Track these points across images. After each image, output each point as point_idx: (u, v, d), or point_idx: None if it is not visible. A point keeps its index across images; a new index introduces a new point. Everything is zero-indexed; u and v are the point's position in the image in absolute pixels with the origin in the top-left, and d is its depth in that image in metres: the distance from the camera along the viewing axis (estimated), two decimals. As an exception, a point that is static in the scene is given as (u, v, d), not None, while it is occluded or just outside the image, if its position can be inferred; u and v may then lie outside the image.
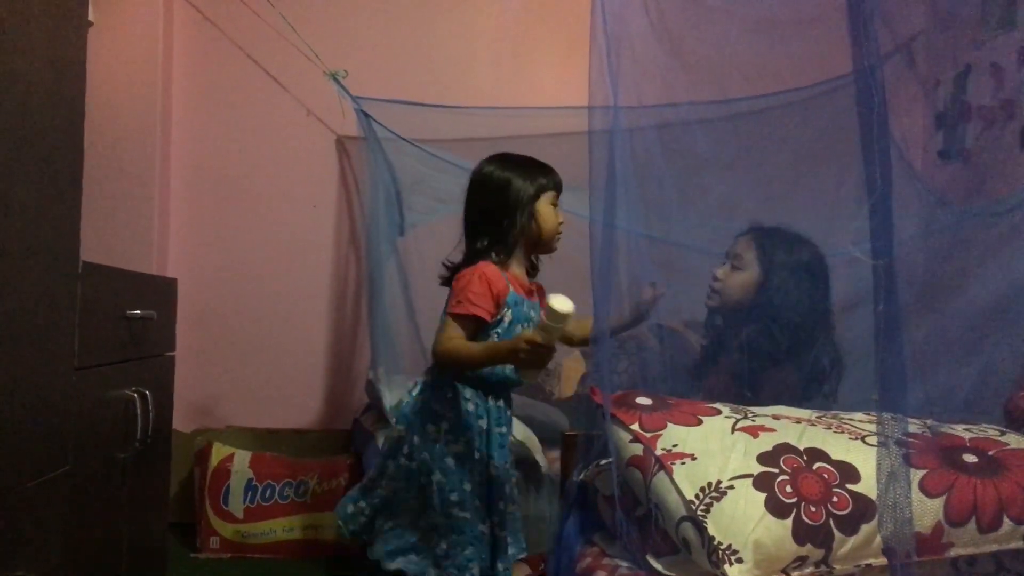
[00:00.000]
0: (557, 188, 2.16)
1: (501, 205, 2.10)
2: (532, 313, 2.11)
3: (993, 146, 2.59)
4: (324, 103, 3.56)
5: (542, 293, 2.19)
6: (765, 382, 1.86)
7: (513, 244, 2.11)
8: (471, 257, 2.12)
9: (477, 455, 2.08)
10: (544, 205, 2.12)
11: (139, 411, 2.02)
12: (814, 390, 1.97)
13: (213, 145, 3.70)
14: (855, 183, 1.61)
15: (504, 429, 2.15)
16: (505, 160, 2.18)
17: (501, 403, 2.14)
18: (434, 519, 2.10)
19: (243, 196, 3.71)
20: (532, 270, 2.21)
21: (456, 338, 2.01)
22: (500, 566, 2.12)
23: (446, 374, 2.10)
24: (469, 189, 2.19)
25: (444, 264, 2.20)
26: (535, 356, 1.88)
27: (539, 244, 2.15)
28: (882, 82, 1.24)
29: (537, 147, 3.31)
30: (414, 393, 2.17)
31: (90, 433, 1.80)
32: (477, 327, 2.04)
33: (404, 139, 3.28)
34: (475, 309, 2.01)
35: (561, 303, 1.81)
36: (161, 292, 2.38)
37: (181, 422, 3.48)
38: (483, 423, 2.09)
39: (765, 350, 1.99)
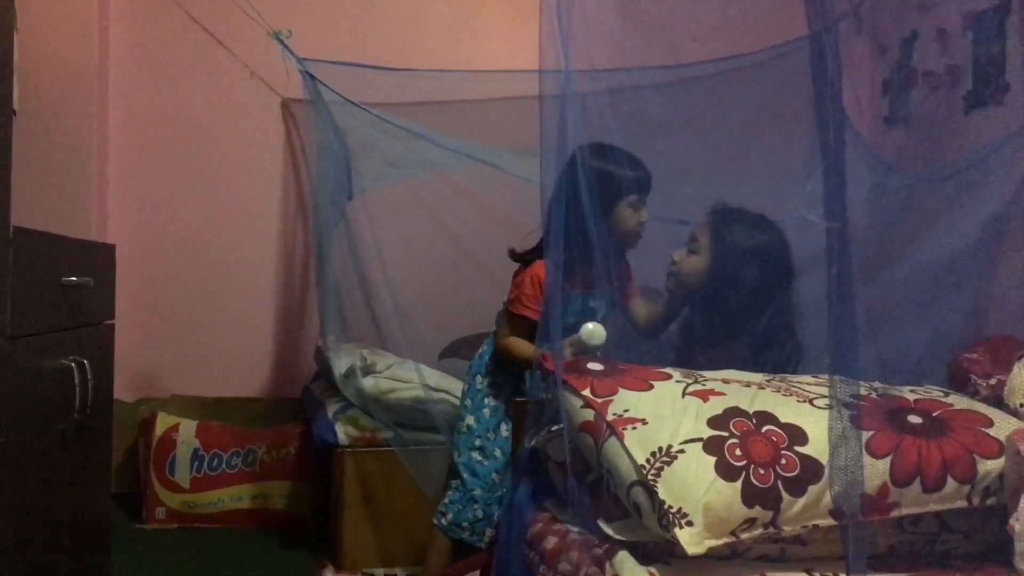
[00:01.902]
0: (639, 189, 2.13)
1: None
2: (592, 303, 2.14)
3: (938, 111, 2.62)
4: (268, 64, 3.46)
5: (630, 275, 2.23)
6: (720, 366, 1.84)
7: None
8: (538, 250, 2.23)
9: (510, 412, 2.28)
10: (622, 209, 2.12)
11: (77, 381, 1.96)
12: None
13: (153, 107, 3.59)
14: (806, 147, 1.62)
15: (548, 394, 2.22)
16: (597, 154, 2.05)
17: None
18: (457, 460, 2.39)
19: (185, 160, 3.62)
20: None
21: (511, 336, 2.28)
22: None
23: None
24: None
25: (513, 251, 2.33)
26: None
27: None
28: (836, 44, 1.23)
29: (488, 111, 3.31)
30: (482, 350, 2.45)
31: (26, 404, 1.74)
32: (531, 323, 2.21)
33: (352, 102, 3.22)
34: (525, 311, 2.24)
35: (590, 334, 1.92)
36: (99, 258, 2.30)
37: (124, 392, 3.41)
38: (524, 386, 2.32)
39: (719, 337, 1.97)
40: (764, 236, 2.05)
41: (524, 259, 2.30)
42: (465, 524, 2.36)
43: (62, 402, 1.94)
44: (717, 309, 2.00)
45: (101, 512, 2.37)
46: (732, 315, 1.97)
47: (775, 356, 1.96)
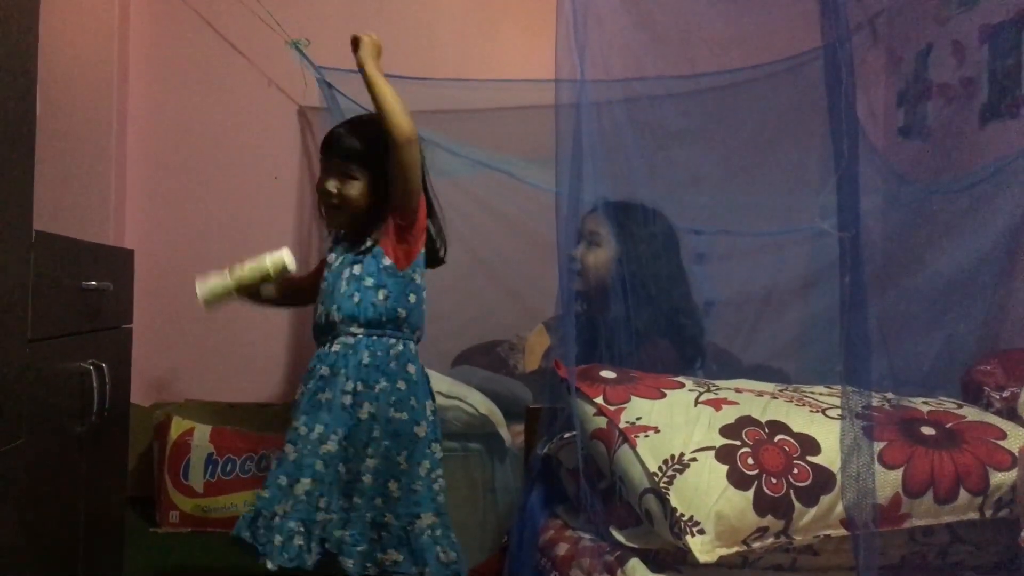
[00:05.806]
0: (324, 154, 2.22)
1: None
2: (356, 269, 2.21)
3: (953, 123, 2.61)
4: (286, 73, 3.49)
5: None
6: (639, 360, 1.81)
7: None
8: None
9: (319, 424, 2.02)
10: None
11: (95, 384, 1.98)
12: (685, 363, 1.92)
13: (171, 114, 3.62)
14: (820, 157, 1.62)
15: (351, 386, 2.03)
16: None
17: (333, 348, 2.10)
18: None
19: (203, 166, 3.64)
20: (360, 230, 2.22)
21: None
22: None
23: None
24: None
25: None
26: None
27: None
28: (851, 55, 1.24)
29: (503, 120, 3.32)
30: None
31: (44, 406, 1.76)
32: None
33: (368, 110, 3.23)
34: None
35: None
36: (118, 263, 2.33)
37: (140, 396, 3.43)
38: (323, 369, 2.10)
39: (635, 326, 1.88)
40: (658, 222, 2.03)
41: None
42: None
43: (80, 405, 1.96)
44: (631, 296, 1.91)
45: (116, 515, 2.39)
46: (646, 301, 1.90)
47: (688, 338, 1.94)
